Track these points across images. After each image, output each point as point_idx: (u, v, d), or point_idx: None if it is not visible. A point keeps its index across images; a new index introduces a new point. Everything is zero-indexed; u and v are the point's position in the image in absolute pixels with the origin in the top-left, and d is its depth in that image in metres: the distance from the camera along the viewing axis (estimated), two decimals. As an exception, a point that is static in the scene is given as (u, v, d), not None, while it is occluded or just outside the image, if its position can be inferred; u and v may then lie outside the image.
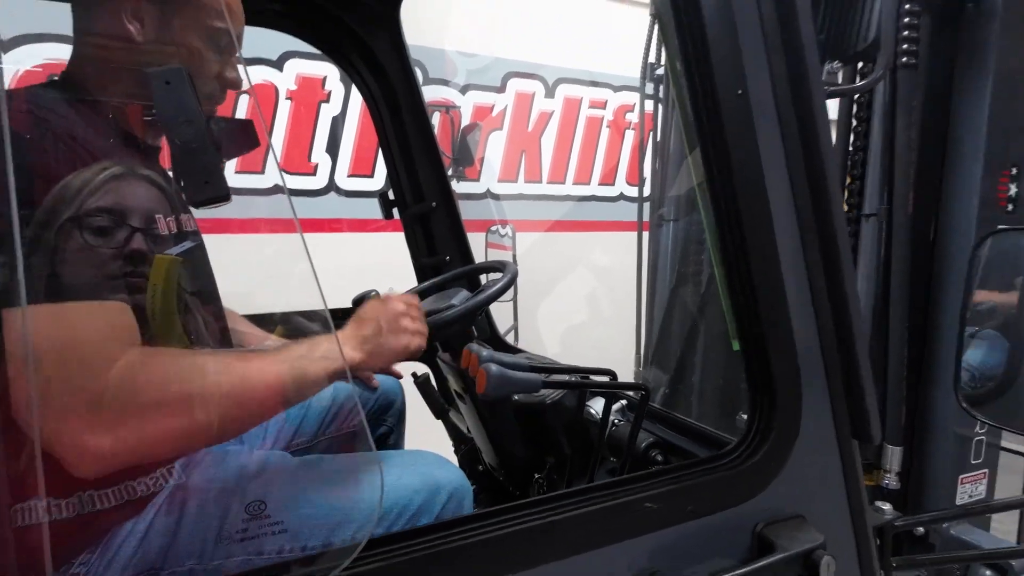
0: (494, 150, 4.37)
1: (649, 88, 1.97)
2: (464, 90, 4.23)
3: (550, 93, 4.63)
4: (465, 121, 4.29)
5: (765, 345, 0.69)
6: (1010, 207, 1.35)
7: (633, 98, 4.35)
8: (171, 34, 0.86)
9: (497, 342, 1.72)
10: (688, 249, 1.85)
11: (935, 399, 1.37)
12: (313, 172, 3.94)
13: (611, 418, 1.06)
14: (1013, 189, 1.35)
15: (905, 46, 1.27)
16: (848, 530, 0.77)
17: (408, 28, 1.74)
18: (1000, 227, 1.12)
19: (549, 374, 0.99)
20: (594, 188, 4.51)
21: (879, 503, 0.94)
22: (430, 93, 4.15)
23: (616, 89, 4.50)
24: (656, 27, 1.91)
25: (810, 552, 0.66)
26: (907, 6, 1.25)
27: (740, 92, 0.65)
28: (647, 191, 2.00)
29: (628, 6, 4.19)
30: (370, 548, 0.56)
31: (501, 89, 4.41)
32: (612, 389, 1.04)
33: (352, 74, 1.81)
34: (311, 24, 1.61)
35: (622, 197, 4.50)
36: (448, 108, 4.00)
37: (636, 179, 2.31)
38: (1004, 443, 2.32)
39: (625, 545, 0.61)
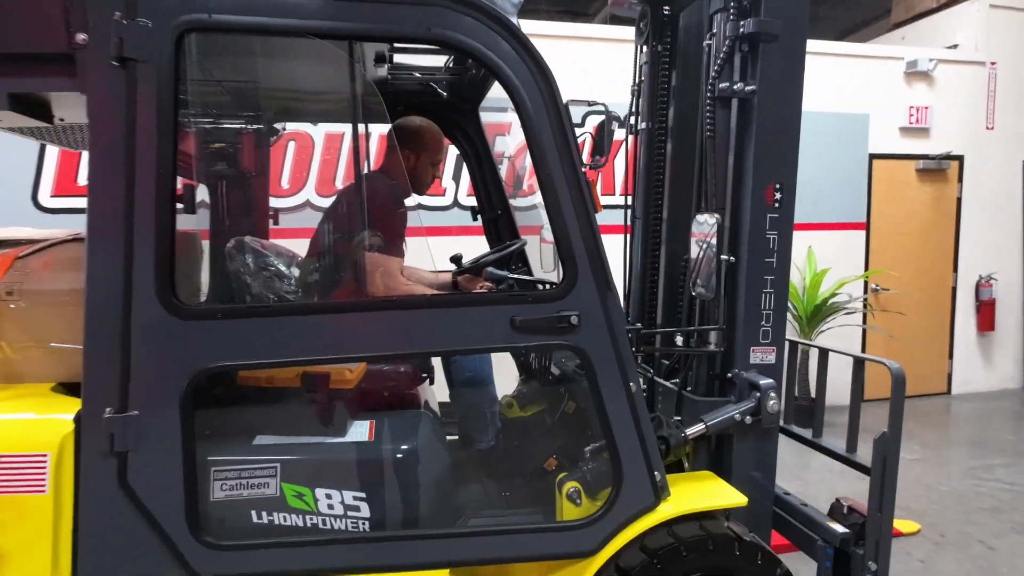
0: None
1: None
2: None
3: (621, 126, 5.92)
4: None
5: (560, 246, 2.05)
6: (776, 204, 2.55)
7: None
8: (421, 163, 2.82)
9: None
10: (647, 232, 3.16)
11: (733, 303, 2.58)
12: (443, 193, 5.63)
13: None
14: (778, 195, 2.55)
15: (708, 126, 2.54)
16: (605, 331, 2.09)
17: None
18: (696, 213, 2.37)
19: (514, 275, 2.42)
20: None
21: (637, 323, 2.22)
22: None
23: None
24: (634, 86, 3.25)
25: (568, 315, 2.01)
26: (707, 104, 2.53)
27: (548, 173, 2.02)
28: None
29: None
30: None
31: (580, 124, 5.81)
32: (534, 282, 2.44)
33: (453, 139, 3.35)
34: (429, 115, 3.16)
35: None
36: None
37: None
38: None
39: (502, 307, 2.02)
